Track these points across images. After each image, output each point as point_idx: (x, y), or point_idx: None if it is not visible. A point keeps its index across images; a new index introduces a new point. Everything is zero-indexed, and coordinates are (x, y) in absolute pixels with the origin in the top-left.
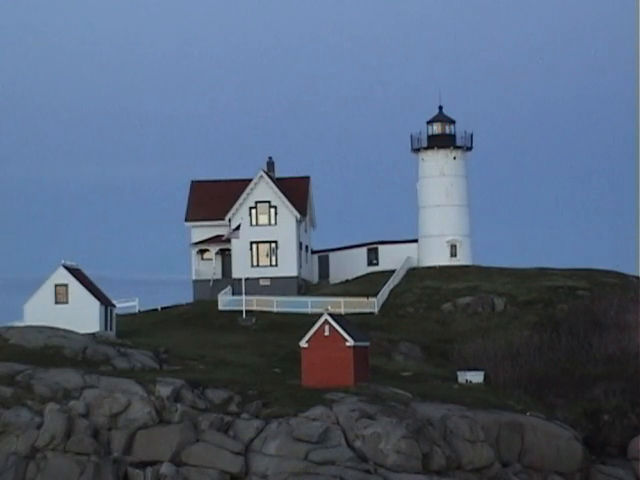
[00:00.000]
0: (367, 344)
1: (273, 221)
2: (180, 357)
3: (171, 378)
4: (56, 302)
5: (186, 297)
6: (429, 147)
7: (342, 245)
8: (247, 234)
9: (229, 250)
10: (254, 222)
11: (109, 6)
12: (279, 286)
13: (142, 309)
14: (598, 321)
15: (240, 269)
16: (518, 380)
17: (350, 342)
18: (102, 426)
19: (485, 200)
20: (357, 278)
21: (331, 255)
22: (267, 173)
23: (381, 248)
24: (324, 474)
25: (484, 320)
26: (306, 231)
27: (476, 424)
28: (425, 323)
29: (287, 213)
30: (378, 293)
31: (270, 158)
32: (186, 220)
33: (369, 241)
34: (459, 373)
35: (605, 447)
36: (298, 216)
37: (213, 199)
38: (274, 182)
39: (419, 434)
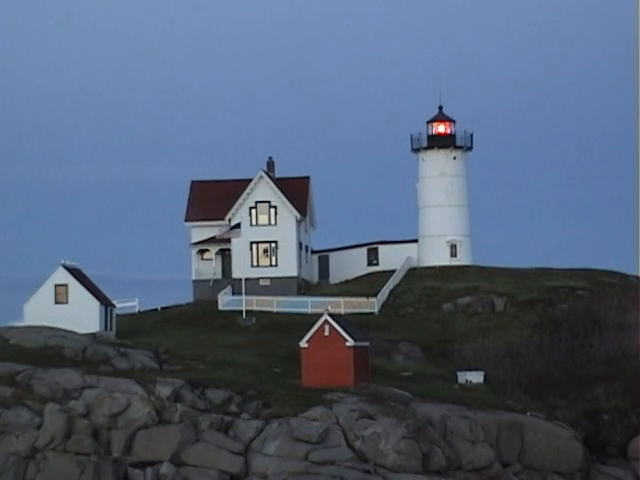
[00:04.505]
0: (367, 344)
1: (273, 221)
2: (180, 357)
3: (171, 378)
4: (56, 302)
5: (186, 297)
6: (429, 147)
7: (342, 245)
8: (247, 234)
9: (229, 250)
10: (254, 222)
11: (111, 5)
12: (279, 286)
13: (142, 309)
14: (598, 321)
15: (240, 269)
16: (518, 380)
17: (350, 342)
18: (102, 426)
19: (485, 200)
20: (357, 278)
21: (331, 255)
22: (267, 173)
23: (381, 248)
24: (324, 474)
25: (484, 320)
26: (306, 231)
27: (476, 424)
28: (425, 323)
29: (287, 213)
30: (378, 293)
31: (270, 158)
32: (186, 220)
33: (369, 241)
34: (459, 373)
35: (605, 447)
36: (298, 216)
37: (213, 199)
38: (274, 182)
39: (419, 434)
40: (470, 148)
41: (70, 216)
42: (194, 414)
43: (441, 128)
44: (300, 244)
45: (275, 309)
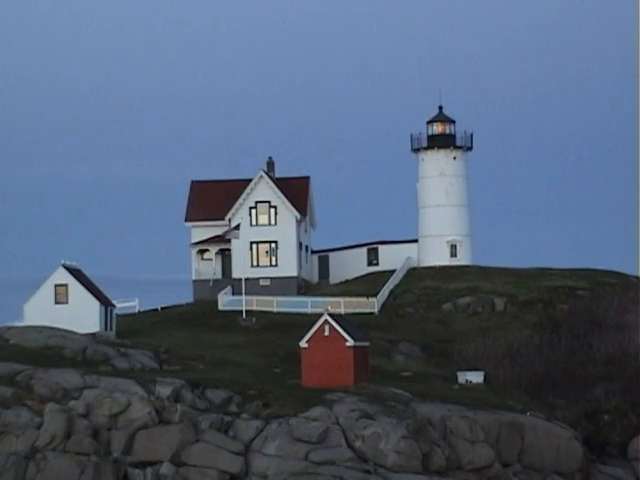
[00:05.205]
0: (367, 344)
1: (273, 221)
2: (180, 357)
3: (171, 378)
4: (56, 302)
5: (186, 297)
6: (429, 147)
7: (342, 245)
8: (247, 234)
9: (229, 250)
10: (254, 222)
11: (111, 5)
12: (279, 286)
13: (142, 309)
14: (598, 321)
15: (240, 269)
16: (518, 380)
17: (350, 342)
18: (102, 426)
19: (485, 200)
20: (357, 278)
21: (331, 255)
22: (267, 173)
23: (381, 248)
24: (324, 474)
25: (484, 320)
26: (306, 231)
27: (476, 424)
28: (425, 323)
29: (287, 213)
30: (378, 293)
31: (270, 158)
32: (186, 220)
33: (369, 241)
34: (459, 373)
35: (605, 447)
36: (298, 216)
37: (213, 199)
38: (274, 182)
39: (419, 434)
40: (470, 148)
41: (70, 216)
42: (194, 414)
43: (441, 128)
44: (300, 244)
45: (275, 309)
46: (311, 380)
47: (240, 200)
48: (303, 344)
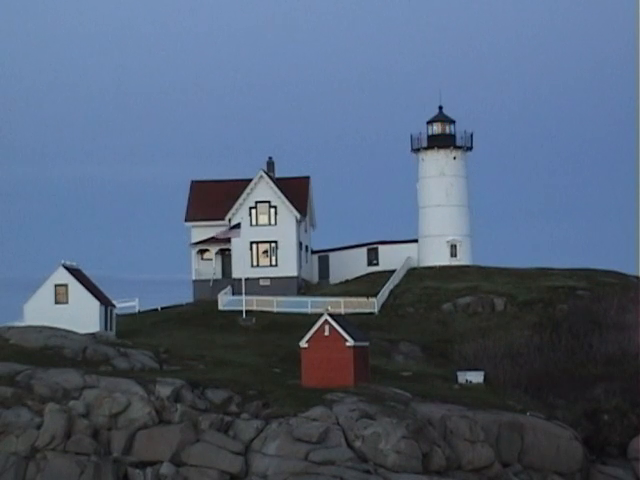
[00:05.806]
0: (367, 344)
1: (273, 221)
2: (180, 357)
3: (171, 378)
4: (56, 302)
5: (186, 297)
6: (429, 147)
7: (342, 245)
8: (247, 234)
9: (229, 250)
10: (254, 222)
11: (111, 5)
12: (279, 286)
13: (142, 309)
14: (598, 321)
15: (240, 269)
16: (518, 380)
17: (350, 342)
18: (102, 426)
19: (485, 200)
20: (357, 278)
21: (331, 255)
22: (267, 173)
23: (381, 248)
24: (324, 474)
25: (484, 320)
26: (306, 231)
27: (476, 424)
28: (425, 323)
29: (287, 213)
30: (378, 293)
31: (270, 158)
32: (186, 220)
33: (369, 241)
34: (459, 373)
35: (605, 447)
36: (298, 216)
37: (213, 199)
38: (274, 182)
39: (419, 434)
40: (470, 148)
41: (70, 216)
42: (194, 414)
43: (441, 128)
44: (300, 244)
45: (275, 309)
46: (311, 380)
47: (240, 200)
48: (303, 344)
